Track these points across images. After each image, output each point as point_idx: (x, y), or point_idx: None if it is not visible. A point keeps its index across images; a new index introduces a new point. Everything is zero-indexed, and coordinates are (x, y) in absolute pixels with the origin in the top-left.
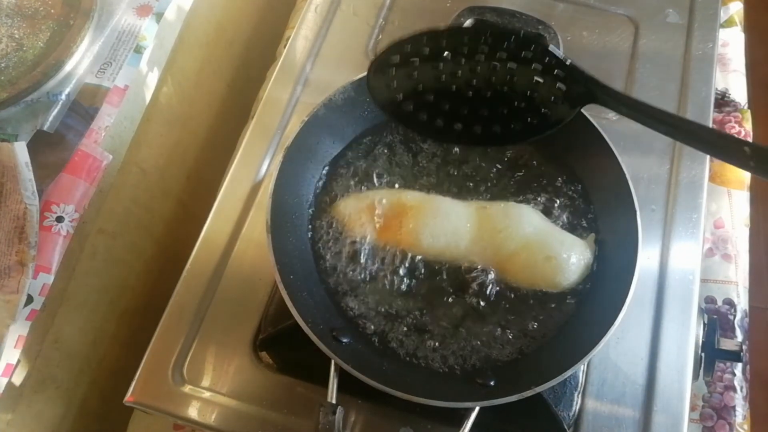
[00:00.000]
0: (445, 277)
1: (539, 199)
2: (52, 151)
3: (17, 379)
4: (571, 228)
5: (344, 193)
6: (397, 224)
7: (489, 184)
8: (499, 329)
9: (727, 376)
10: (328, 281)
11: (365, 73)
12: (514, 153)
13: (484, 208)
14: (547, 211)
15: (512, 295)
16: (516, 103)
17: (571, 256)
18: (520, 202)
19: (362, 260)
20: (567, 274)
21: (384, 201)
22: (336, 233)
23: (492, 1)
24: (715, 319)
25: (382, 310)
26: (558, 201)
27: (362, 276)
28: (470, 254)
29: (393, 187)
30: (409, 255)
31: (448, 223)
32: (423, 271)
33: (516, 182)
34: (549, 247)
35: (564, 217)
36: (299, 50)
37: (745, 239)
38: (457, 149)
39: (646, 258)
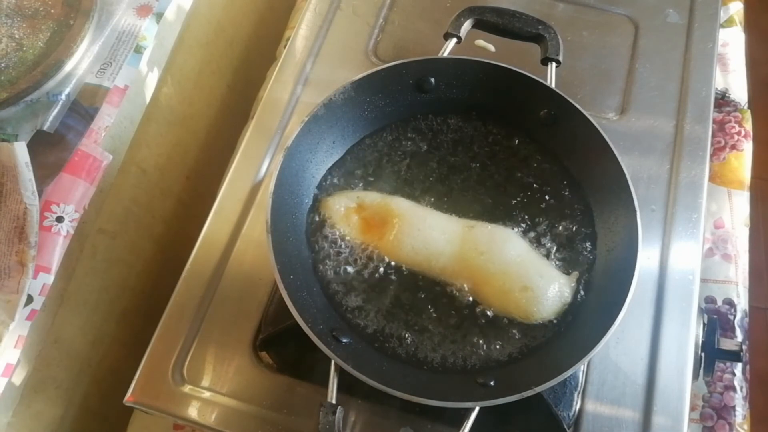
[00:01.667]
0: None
1: (537, 198)
2: (52, 151)
3: (17, 379)
4: (570, 230)
5: (338, 191)
6: (381, 231)
7: (487, 184)
8: (498, 329)
9: (727, 376)
10: (327, 281)
11: (365, 73)
12: (512, 153)
13: (471, 228)
14: (546, 213)
15: None
16: None
17: (548, 291)
18: (519, 200)
19: (358, 261)
20: (541, 307)
21: (372, 204)
22: (335, 233)
23: (492, 1)
24: (715, 319)
25: (382, 310)
26: (557, 201)
27: (361, 277)
28: (448, 271)
29: (389, 188)
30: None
31: (430, 238)
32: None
33: (515, 182)
34: (527, 278)
35: (563, 218)
36: (299, 50)
37: (745, 239)
38: (456, 157)
39: (646, 258)
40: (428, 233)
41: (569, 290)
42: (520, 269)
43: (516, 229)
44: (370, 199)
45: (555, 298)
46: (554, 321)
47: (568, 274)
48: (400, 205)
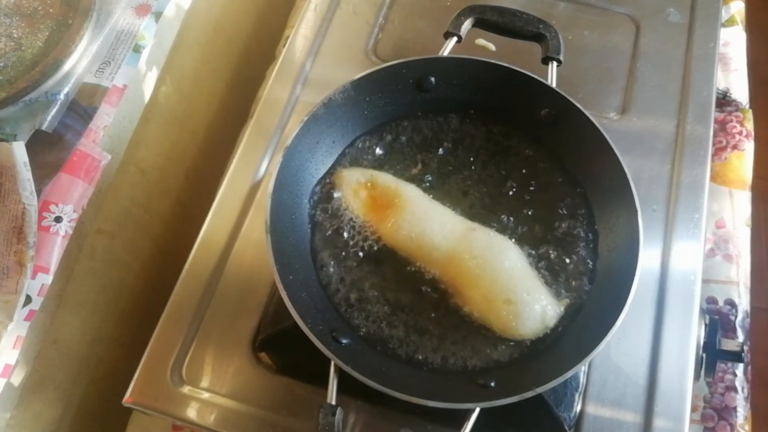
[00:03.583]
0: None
1: (537, 198)
2: (50, 150)
3: (16, 380)
4: (570, 230)
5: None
6: (385, 212)
7: (487, 184)
8: (499, 329)
9: (728, 376)
10: (327, 281)
11: (365, 72)
12: (513, 152)
13: (473, 230)
14: (546, 213)
15: None
16: None
17: (532, 309)
18: (519, 200)
19: (358, 248)
20: (520, 324)
21: (383, 185)
22: (340, 214)
23: (493, 0)
24: (717, 320)
25: (382, 310)
26: (557, 201)
27: (361, 273)
28: (438, 266)
29: None
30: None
31: (429, 230)
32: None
33: (514, 181)
34: (514, 291)
35: (563, 218)
36: (299, 49)
37: (747, 239)
38: (456, 157)
39: (648, 258)
40: (428, 225)
41: (554, 315)
42: (509, 281)
43: (516, 237)
44: (382, 180)
45: (537, 319)
46: (528, 342)
47: (559, 299)
48: (409, 192)
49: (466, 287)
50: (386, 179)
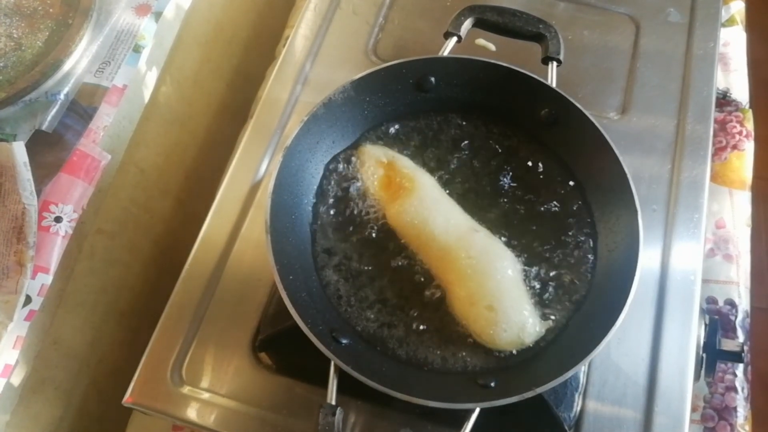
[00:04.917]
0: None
1: (536, 198)
2: (50, 150)
3: (15, 380)
4: (570, 231)
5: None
6: (395, 194)
7: (486, 184)
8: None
9: (728, 376)
10: (327, 281)
11: (365, 73)
12: (513, 152)
13: (475, 232)
14: (545, 213)
15: None
16: None
17: (511, 322)
18: (518, 200)
19: (360, 254)
20: (496, 333)
21: (400, 168)
22: (337, 231)
23: (493, 0)
24: (717, 320)
25: (383, 310)
26: (557, 202)
27: (362, 275)
28: (432, 257)
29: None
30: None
31: (432, 220)
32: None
33: (514, 181)
34: (498, 300)
35: (562, 218)
36: (299, 49)
37: (747, 239)
38: (456, 157)
39: (648, 258)
40: (432, 215)
41: (533, 333)
42: (496, 289)
43: (514, 238)
44: (401, 163)
45: (514, 332)
46: (500, 354)
47: (545, 318)
48: (423, 180)
49: (454, 284)
50: (405, 163)
